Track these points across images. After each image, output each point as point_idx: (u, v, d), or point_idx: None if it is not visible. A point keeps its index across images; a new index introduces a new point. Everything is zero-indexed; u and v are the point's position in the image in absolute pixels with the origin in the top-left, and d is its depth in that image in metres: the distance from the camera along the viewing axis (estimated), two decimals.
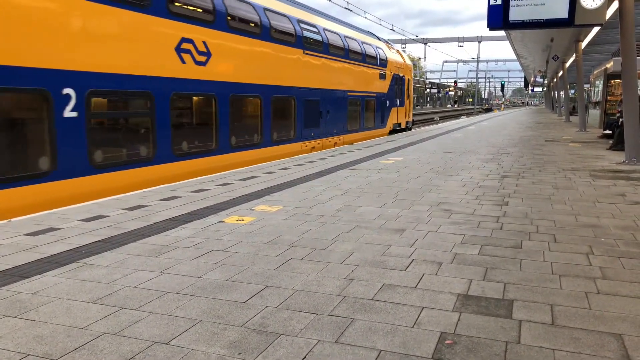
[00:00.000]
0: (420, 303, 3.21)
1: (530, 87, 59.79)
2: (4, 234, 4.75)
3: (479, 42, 56.15)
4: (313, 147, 14.01)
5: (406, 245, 4.46)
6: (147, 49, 8.07)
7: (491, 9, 11.82)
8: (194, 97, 9.48)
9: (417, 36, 45.66)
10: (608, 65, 20.71)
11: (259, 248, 4.37)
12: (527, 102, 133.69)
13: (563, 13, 11.14)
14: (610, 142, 13.79)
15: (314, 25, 13.92)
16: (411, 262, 4.00)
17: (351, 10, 25.82)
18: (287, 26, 12.39)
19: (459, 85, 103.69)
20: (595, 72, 25.66)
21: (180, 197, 6.58)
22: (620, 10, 10.18)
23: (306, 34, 13.22)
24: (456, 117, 56.35)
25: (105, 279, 3.62)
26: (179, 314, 3.05)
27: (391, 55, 20.27)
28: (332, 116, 15.10)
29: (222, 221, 5.31)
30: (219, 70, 9.76)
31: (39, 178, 6.46)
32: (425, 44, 53.34)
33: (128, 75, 7.72)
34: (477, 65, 62.64)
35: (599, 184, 7.71)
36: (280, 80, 12.13)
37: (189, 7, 8.98)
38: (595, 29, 18.75)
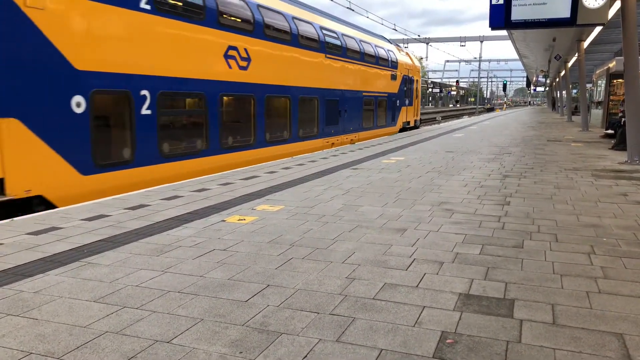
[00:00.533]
0: (422, 302, 3.22)
1: (532, 87, 59.72)
2: (6, 233, 4.76)
3: (481, 41, 56.11)
4: (333, 143, 15.28)
5: (407, 245, 4.46)
6: (202, 55, 9.36)
7: (493, 8, 11.81)
8: (237, 98, 10.71)
9: (419, 36, 45.62)
10: (610, 65, 20.69)
11: (260, 247, 4.38)
12: (529, 102, 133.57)
13: (565, 13, 11.13)
14: (613, 141, 13.77)
15: (334, 31, 15.20)
16: (412, 262, 4.01)
17: (353, 10, 25.82)
18: (312, 33, 13.69)
19: (461, 84, 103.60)
20: (597, 72, 25.62)
21: (182, 196, 6.59)
22: (622, 9, 10.16)
23: (327, 39, 14.52)
24: (458, 116, 56.31)
25: (107, 278, 3.63)
26: (181, 313, 3.05)
27: (401, 57, 21.54)
28: (349, 115, 16.38)
29: (224, 220, 5.32)
30: (257, 73, 11.05)
31: (125, 165, 7.83)
32: (427, 43, 53.33)
33: (188, 79, 9.01)
34: (479, 64, 62.56)
35: (601, 183, 7.70)
36: (306, 82, 13.40)
37: (234, 19, 10.32)
38: (598, 29, 18.73)
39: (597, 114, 24.25)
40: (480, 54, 57.78)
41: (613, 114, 19.95)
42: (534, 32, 20.40)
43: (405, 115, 22.22)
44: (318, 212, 5.71)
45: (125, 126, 7.94)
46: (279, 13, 12.10)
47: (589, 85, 30.83)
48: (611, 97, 21.00)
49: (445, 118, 51.00)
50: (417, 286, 3.50)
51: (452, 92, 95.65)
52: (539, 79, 48.32)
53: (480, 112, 64.92)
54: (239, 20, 10.48)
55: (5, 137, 6.06)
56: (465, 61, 71.48)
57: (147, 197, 6.50)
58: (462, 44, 53.86)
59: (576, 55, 25.07)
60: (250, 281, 3.59)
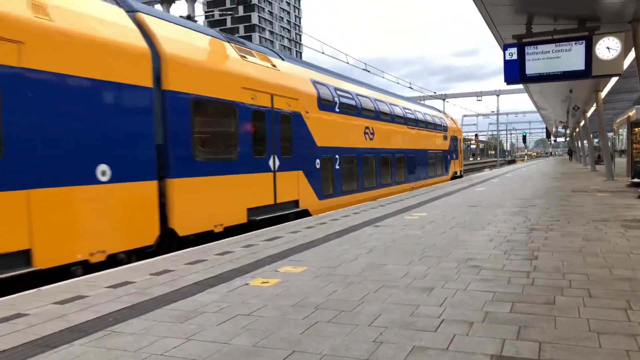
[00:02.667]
0: None
1: (552, 138, 59.51)
2: (33, 303, 4.80)
3: (497, 95, 56.68)
4: (412, 187, 21.15)
5: (435, 305, 4.36)
6: (356, 133, 16.06)
7: (507, 64, 12.02)
8: (368, 156, 16.97)
9: (435, 92, 46.40)
10: (630, 114, 20.61)
11: (284, 311, 4.32)
12: (550, 152, 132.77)
13: (579, 65, 11.24)
14: None
15: (410, 109, 21.96)
16: (441, 322, 3.90)
17: (369, 71, 26.52)
18: (400, 112, 20.26)
19: (480, 138, 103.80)
20: (618, 121, 25.51)
21: (206, 260, 6.60)
22: (637, 59, 10.23)
23: (407, 115, 21.13)
24: (479, 169, 56.08)
25: (132, 347, 3.60)
26: None
27: (449, 122, 28.93)
28: (421, 167, 22.67)
29: (247, 284, 5.29)
30: (378, 141, 17.64)
31: (330, 196, 14.37)
32: (444, 99, 54.06)
33: (351, 148, 15.54)
34: (497, 118, 62.94)
35: (632, 234, 7.50)
36: (398, 145, 19.76)
37: (367, 110, 16.89)
38: (614, 79, 18.81)
39: (621, 162, 23.93)
40: (497, 107, 58.22)
41: (638, 162, 19.68)
42: (550, 84, 20.57)
43: (453, 166, 28.98)
44: (342, 273, 5.65)
45: (330, 174, 14.20)
46: (383, 102, 18.81)
47: (610, 134, 30.60)
48: (634, 145, 20.79)
49: (466, 171, 50.83)
50: (447, 348, 3.38)
51: (472, 146, 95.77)
52: (559, 129, 48.19)
53: (501, 165, 64.61)
54: (369, 110, 17.08)
55: (300, 180, 12.56)
56: (483, 115, 71.95)
57: (172, 262, 6.53)
58: (479, 98, 54.46)
59: (594, 105, 25.09)
60: (275, 347, 3.52)
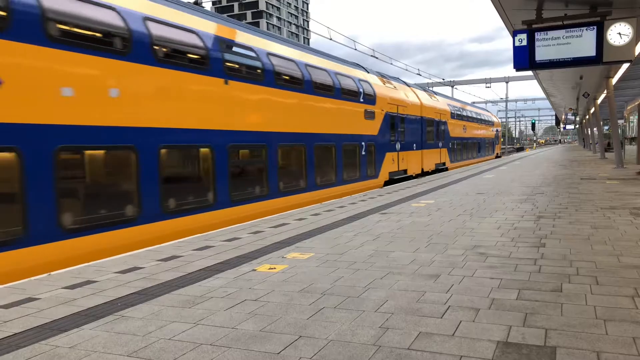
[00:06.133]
0: (458, 352, 3.12)
1: (562, 125, 58.98)
2: (44, 288, 4.86)
3: (507, 82, 56.14)
4: (485, 159, 31.47)
5: (441, 291, 4.37)
6: (467, 130, 30.91)
7: (517, 50, 11.87)
8: (468, 142, 31.40)
9: (443, 79, 46.13)
10: None
11: (291, 297, 4.35)
12: (560, 140, 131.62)
13: (590, 51, 11.08)
14: None
15: (485, 115, 36.73)
16: (447, 309, 3.91)
17: (377, 58, 26.35)
18: (485, 117, 35.40)
19: None
20: (628, 108, 25.22)
21: (213, 246, 6.64)
22: None
23: (483, 117, 34.88)
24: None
25: (141, 332, 3.64)
26: None
27: (494, 118, 42.36)
28: (472, 150, 32.32)
29: (255, 270, 5.32)
30: (471, 134, 32.67)
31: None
32: (452, 86, 53.62)
33: (462, 138, 28.90)
34: (506, 105, 62.36)
35: None
36: (481, 135, 34.77)
37: (471, 117, 32.75)
38: (625, 65, 18.56)
39: (631, 150, 23.71)
40: (506, 94, 57.65)
41: None
42: (560, 71, 20.33)
43: (497, 149, 43.42)
44: (348, 259, 5.66)
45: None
46: (475, 110, 32.22)
47: (620, 121, 30.28)
48: None
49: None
50: (453, 335, 3.40)
51: None
52: (568, 116, 47.82)
53: (510, 152, 64.18)
54: (472, 118, 31.37)
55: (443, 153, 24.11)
56: (492, 102, 71.27)
57: (179, 248, 6.57)
58: (488, 85, 53.98)
59: (605, 92, 24.80)
60: (282, 332, 3.55)
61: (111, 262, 5.93)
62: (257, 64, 10.98)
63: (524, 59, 11.85)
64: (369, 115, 16.08)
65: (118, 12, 7.64)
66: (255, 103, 10.69)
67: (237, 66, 10.50)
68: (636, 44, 11.20)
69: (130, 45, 7.67)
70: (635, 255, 5.42)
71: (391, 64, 29.62)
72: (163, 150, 8.21)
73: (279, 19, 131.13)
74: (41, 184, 6.30)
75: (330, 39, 21.68)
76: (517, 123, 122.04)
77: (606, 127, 45.39)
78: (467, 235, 6.85)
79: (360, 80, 15.85)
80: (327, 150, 13.67)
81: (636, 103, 21.48)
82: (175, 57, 8.75)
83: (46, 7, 6.50)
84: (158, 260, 5.90)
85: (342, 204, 10.96)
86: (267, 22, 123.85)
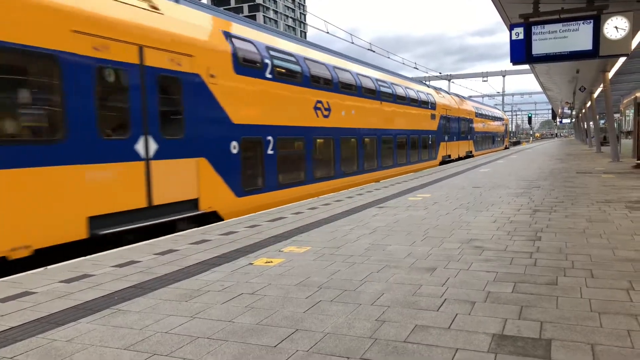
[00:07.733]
0: (454, 344, 3.14)
1: (558, 119, 59.11)
2: (40, 281, 4.86)
3: (503, 76, 56.17)
4: (494, 150, 38.06)
5: (438, 285, 4.38)
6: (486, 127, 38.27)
7: (513, 43, 11.86)
8: (481, 137, 36.74)
9: (440, 73, 45.99)
10: (638, 94, 20.38)
11: (288, 290, 4.36)
12: (556, 134, 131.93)
13: (587, 45, 11.09)
14: None
15: (496, 114, 42.63)
16: (443, 302, 3.93)
17: (374, 51, 26.23)
18: (498, 114, 44.18)
19: None
20: (624, 102, 25.25)
21: (210, 240, 6.64)
22: None
23: (496, 115, 42.36)
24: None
25: (137, 325, 3.65)
26: None
27: (504, 115, 49.37)
28: (489, 142, 38.35)
29: (251, 263, 5.33)
30: (485, 129, 38.23)
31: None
32: (449, 80, 53.60)
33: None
34: (503, 99, 62.44)
35: (636, 215, 7.49)
36: (491, 129, 40.14)
37: (484, 115, 38.57)
38: (622, 59, 18.58)
39: (627, 144, 23.77)
40: (503, 88, 57.72)
41: None
42: (556, 65, 20.33)
43: (505, 142, 49.01)
44: (345, 253, 5.68)
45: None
46: (485, 107, 39.04)
47: (616, 115, 30.34)
48: None
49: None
50: (449, 327, 3.41)
51: None
52: (565, 110, 48.11)
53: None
54: (485, 115, 38.05)
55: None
56: (489, 96, 71.32)
57: (175, 242, 6.58)
58: (485, 79, 53.98)
59: (601, 86, 24.82)
60: (278, 326, 3.56)
61: (107, 255, 5.93)
62: (389, 91, 18.53)
63: (521, 52, 11.85)
64: (433, 117, 24.11)
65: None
66: (391, 113, 18.70)
67: (384, 92, 18.01)
68: (633, 37, 11.21)
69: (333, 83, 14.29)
70: (630, 249, 5.45)
71: (388, 57, 29.53)
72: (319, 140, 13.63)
73: (275, 12, 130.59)
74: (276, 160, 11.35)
75: (327, 33, 21.63)
76: (514, 117, 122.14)
77: (602, 121, 45.49)
78: (463, 229, 6.87)
79: (427, 93, 23.88)
80: (414, 140, 21.36)
81: (632, 97, 21.52)
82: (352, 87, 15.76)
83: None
84: (155, 254, 5.90)
85: (339, 198, 10.97)
86: (263, 15, 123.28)
